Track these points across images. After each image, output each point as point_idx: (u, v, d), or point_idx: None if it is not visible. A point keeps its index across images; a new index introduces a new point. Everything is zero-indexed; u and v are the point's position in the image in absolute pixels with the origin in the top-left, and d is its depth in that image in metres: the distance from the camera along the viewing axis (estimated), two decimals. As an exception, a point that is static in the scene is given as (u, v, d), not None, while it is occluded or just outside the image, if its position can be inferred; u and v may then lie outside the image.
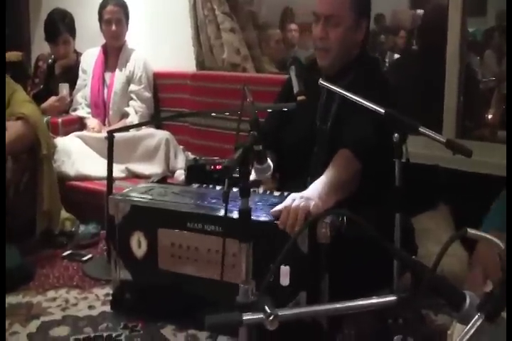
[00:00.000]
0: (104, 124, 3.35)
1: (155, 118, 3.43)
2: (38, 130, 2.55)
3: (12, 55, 3.59)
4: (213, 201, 1.94)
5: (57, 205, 2.70)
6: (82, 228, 2.84)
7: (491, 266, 1.41)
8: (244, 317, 0.86)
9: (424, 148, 2.45)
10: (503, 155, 1.83)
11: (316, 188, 1.71)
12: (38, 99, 3.27)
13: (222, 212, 1.81)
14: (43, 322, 2.08)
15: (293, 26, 4.62)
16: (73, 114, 3.42)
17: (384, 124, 1.56)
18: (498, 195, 1.65)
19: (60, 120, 3.30)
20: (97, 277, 2.44)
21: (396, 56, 4.34)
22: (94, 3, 3.39)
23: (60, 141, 3.04)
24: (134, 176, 3.06)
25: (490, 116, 2.98)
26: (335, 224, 1.66)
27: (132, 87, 3.33)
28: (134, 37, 3.45)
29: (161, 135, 3.16)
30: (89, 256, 2.65)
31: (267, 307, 0.85)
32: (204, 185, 2.14)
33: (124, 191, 2.12)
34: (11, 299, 2.23)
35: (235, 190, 1.30)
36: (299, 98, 1.68)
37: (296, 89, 1.71)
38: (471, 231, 0.86)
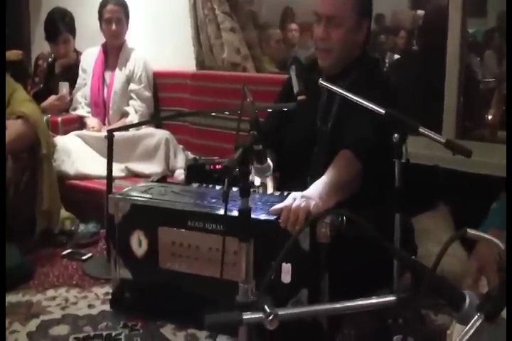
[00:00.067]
0: (104, 123, 3.35)
1: (155, 118, 3.43)
2: (38, 129, 2.55)
3: (12, 54, 3.58)
4: (213, 201, 1.94)
5: (57, 204, 2.70)
6: (81, 227, 2.83)
7: (487, 262, 1.42)
8: (244, 317, 0.86)
9: (424, 148, 2.45)
10: (502, 155, 1.82)
11: (317, 188, 1.71)
12: (38, 98, 3.27)
13: (222, 212, 1.81)
14: (43, 321, 2.08)
15: (293, 26, 4.63)
16: (73, 113, 3.42)
17: (384, 124, 1.56)
18: (497, 195, 1.65)
19: (59, 119, 3.29)
20: (97, 276, 2.43)
21: (396, 56, 4.33)
22: (94, 2, 3.39)
23: (60, 140, 3.04)
24: (133, 175, 3.06)
25: (490, 117, 2.98)
26: (335, 224, 1.67)
27: (132, 87, 3.33)
28: (134, 36, 3.44)
29: (161, 134, 3.16)
30: (89, 255, 2.64)
31: (266, 307, 0.86)
32: (204, 185, 2.14)
33: (124, 190, 2.12)
34: (10, 298, 2.23)
35: (234, 189, 1.30)
36: (299, 98, 1.68)
37: (296, 89, 1.71)
38: (470, 231, 0.86)
